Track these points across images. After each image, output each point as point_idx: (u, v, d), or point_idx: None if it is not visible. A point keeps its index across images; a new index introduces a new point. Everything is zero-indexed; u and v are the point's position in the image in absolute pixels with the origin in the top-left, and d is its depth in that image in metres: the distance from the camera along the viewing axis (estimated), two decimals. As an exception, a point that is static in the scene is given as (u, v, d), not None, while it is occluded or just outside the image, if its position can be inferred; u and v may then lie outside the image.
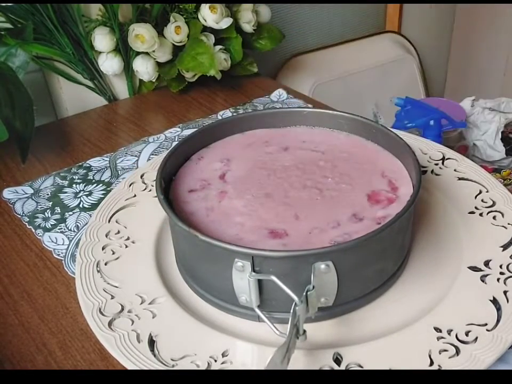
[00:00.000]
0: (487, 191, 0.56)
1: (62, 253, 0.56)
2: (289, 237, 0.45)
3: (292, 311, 0.38)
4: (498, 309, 0.44)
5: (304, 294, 0.39)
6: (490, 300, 0.45)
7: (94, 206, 0.61)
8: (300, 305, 0.38)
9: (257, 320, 0.44)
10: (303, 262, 0.40)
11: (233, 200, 0.49)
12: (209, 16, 0.82)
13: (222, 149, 0.56)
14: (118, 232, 0.54)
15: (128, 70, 0.86)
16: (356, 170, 0.52)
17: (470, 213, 0.54)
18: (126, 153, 0.71)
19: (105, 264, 0.50)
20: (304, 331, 0.39)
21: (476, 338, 0.41)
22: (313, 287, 0.40)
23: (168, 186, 0.51)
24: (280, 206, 0.48)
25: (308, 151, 0.55)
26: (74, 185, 0.66)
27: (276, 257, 0.40)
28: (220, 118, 0.79)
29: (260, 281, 0.41)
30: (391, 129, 0.54)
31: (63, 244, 0.57)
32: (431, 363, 0.40)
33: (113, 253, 0.52)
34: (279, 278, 0.39)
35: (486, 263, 0.48)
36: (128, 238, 0.53)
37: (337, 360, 0.41)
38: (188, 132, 0.75)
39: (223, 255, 0.41)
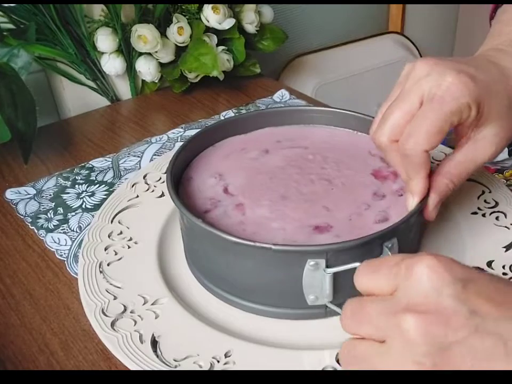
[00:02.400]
0: (490, 192, 0.56)
1: (64, 253, 0.56)
2: (334, 228, 0.45)
3: None
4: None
5: None
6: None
7: (96, 207, 0.61)
8: None
9: (324, 316, 0.44)
10: (374, 244, 0.41)
11: (255, 209, 0.48)
12: (212, 16, 0.82)
13: (205, 165, 0.54)
14: (121, 232, 0.54)
15: (130, 70, 0.86)
16: (346, 156, 0.53)
17: (472, 213, 0.54)
18: (129, 153, 0.71)
19: (108, 264, 0.50)
20: None
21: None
22: None
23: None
24: (303, 204, 0.48)
25: (290, 148, 0.55)
26: (77, 185, 0.66)
27: (350, 247, 0.41)
28: (222, 118, 0.79)
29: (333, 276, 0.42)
30: (353, 111, 0.56)
31: (65, 245, 0.57)
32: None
33: (116, 254, 0.52)
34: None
35: (489, 264, 0.48)
36: (130, 239, 0.53)
37: (340, 361, 0.41)
38: (190, 133, 0.75)
39: (294, 259, 0.41)
